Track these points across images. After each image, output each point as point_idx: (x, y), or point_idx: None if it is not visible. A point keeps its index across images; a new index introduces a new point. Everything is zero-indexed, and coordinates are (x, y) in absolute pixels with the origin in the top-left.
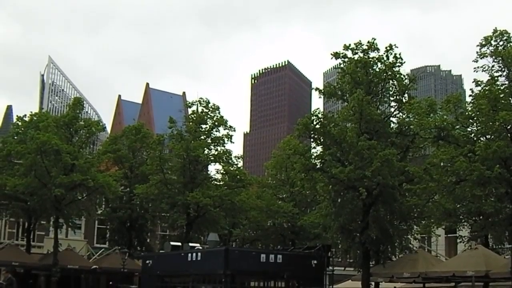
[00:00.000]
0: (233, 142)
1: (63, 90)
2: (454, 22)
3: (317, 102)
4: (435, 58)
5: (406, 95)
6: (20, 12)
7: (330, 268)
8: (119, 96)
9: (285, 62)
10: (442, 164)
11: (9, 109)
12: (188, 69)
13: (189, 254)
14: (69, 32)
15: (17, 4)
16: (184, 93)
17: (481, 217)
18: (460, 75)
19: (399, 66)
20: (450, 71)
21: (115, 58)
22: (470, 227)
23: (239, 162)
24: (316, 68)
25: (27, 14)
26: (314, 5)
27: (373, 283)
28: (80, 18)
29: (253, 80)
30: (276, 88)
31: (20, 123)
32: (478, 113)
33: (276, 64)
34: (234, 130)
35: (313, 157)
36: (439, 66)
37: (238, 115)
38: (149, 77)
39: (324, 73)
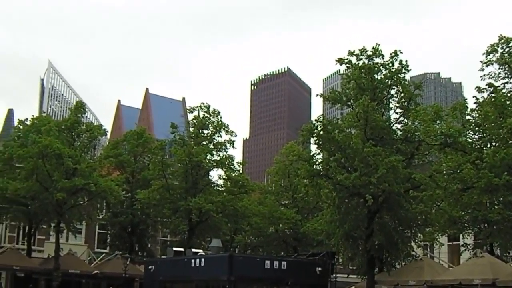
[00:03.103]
0: (235, 148)
1: (62, 94)
2: (444, 30)
3: (317, 109)
4: (435, 66)
5: (412, 101)
6: (13, 20)
7: (333, 275)
8: (119, 101)
9: (284, 68)
10: (448, 171)
11: (10, 112)
12: (187, 76)
13: (193, 260)
14: (64, 40)
15: (8, 12)
16: (183, 98)
17: (486, 225)
18: (460, 83)
19: (404, 72)
20: (450, 78)
21: (111, 65)
22: (474, 235)
23: (240, 168)
24: (315, 74)
25: (20, 22)
26: (314, 13)
27: None
28: (73, 27)
29: (252, 87)
30: (276, 94)
31: (21, 127)
32: (484, 120)
33: (275, 71)
34: (236, 136)
35: (317, 163)
36: (438, 73)
37: (237, 121)
38: (148, 83)
39: (323, 79)
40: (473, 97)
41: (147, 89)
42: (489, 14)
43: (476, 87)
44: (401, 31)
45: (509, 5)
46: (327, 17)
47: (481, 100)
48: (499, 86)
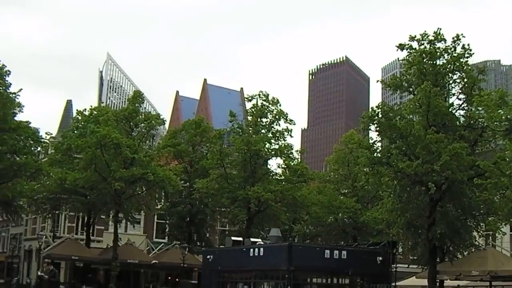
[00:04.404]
0: (292, 136)
1: (121, 86)
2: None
3: (375, 98)
4: (495, 53)
5: (475, 87)
6: (71, 15)
7: (394, 265)
8: (177, 92)
9: (342, 57)
10: None
11: (68, 104)
12: (245, 67)
13: (252, 250)
14: (121, 34)
15: (66, 8)
16: (241, 88)
17: None
18: None
19: (467, 57)
20: (511, 66)
21: (169, 57)
22: None
23: (299, 157)
24: (373, 63)
25: (78, 17)
26: (372, 1)
27: (437, 280)
28: (130, 21)
29: (310, 76)
30: (334, 83)
31: (80, 117)
32: None
33: (334, 60)
34: (294, 124)
35: (377, 151)
36: (499, 61)
37: (295, 111)
38: (206, 74)
39: (382, 68)
40: None
41: (205, 80)
42: None
43: None
44: (459, 18)
45: None
46: (383, 5)
47: None
48: None
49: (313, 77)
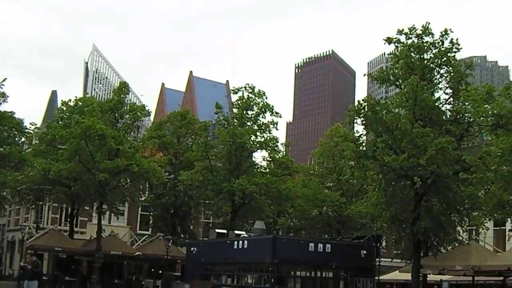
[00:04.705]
0: (278, 129)
1: (106, 77)
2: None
3: (361, 92)
4: (481, 49)
5: (462, 82)
6: (56, 6)
7: (377, 259)
8: (163, 84)
9: (329, 51)
10: (499, 153)
11: (53, 94)
12: (231, 59)
13: (236, 242)
14: (107, 25)
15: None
16: (227, 81)
17: None
18: (507, 66)
19: (455, 51)
20: (497, 62)
21: (155, 49)
22: None
23: (284, 149)
24: (360, 57)
25: (64, 8)
26: None
27: (421, 275)
28: (116, 12)
29: (296, 70)
30: (320, 77)
31: (64, 108)
32: None
33: (320, 54)
34: (280, 117)
35: (363, 144)
36: (485, 56)
37: (281, 104)
38: (191, 66)
39: (368, 62)
40: None
41: (191, 72)
42: None
43: None
44: (446, 13)
45: None
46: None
47: None
48: None
49: (299, 70)
